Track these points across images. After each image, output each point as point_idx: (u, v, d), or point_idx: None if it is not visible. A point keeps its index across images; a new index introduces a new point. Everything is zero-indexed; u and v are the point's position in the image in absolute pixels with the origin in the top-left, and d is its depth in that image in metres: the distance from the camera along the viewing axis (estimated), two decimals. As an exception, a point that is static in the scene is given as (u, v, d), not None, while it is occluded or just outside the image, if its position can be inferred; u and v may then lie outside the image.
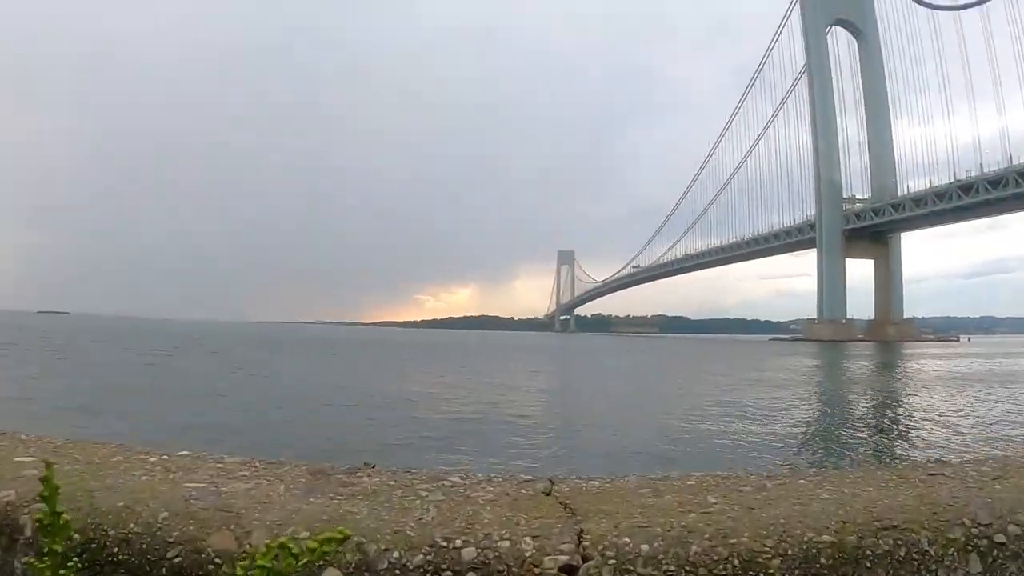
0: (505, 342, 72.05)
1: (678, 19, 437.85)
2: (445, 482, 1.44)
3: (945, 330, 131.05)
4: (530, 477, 1.53)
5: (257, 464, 1.51)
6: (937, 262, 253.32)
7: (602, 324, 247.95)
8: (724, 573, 1.03)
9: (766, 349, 69.10)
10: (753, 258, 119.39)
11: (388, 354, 40.98)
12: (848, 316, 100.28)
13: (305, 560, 0.56)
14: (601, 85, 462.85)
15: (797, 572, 1.05)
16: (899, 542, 1.11)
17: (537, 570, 1.04)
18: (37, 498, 0.86)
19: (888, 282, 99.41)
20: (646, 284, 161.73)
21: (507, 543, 1.08)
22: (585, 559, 1.06)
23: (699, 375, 25.30)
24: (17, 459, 1.48)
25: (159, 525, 1.14)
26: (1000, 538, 1.17)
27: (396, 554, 1.05)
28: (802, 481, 1.44)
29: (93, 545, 1.12)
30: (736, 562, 1.04)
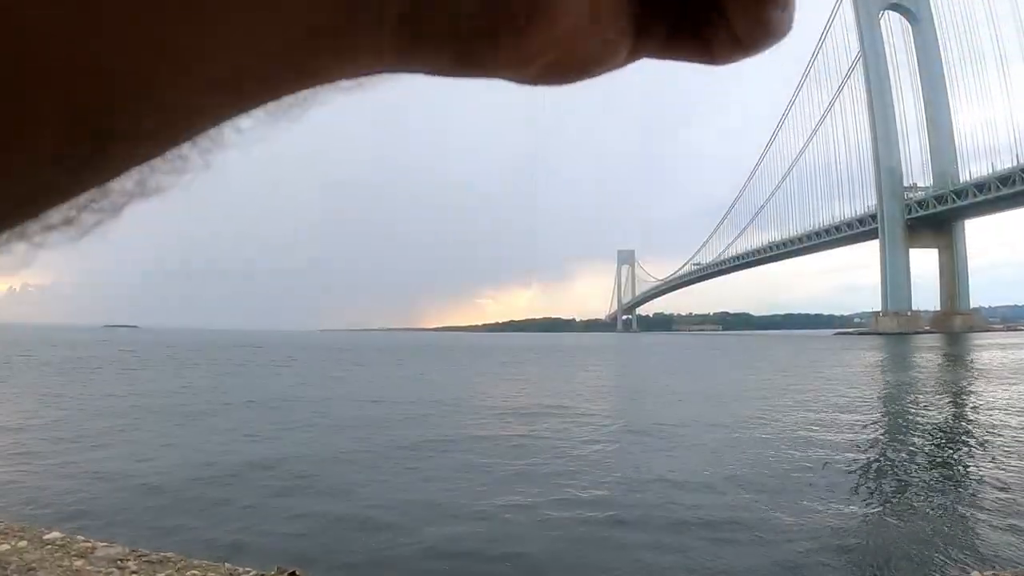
0: (582, 344, 74.96)
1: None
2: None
3: (1013, 319, 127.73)
4: None
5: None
6: (1004, 249, 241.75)
7: (664, 323, 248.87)
8: None
9: (832, 344, 70.03)
10: (814, 251, 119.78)
11: (495, 359, 41.03)
12: (913, 307, 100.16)
13: None
14: (656, 80, 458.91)
15: None
16: None
17: None
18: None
19: (953, 271, 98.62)
20: (707, 281, 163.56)
21: None
22: None
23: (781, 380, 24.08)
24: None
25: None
26: None
27: None
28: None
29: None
30: None
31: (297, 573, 3.29)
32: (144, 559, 3.45)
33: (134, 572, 3.35)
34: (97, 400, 16.68)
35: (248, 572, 3.00)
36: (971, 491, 7.96)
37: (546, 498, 7.36)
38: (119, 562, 3.41)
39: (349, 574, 4.89)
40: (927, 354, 43.14)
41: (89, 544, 3.74)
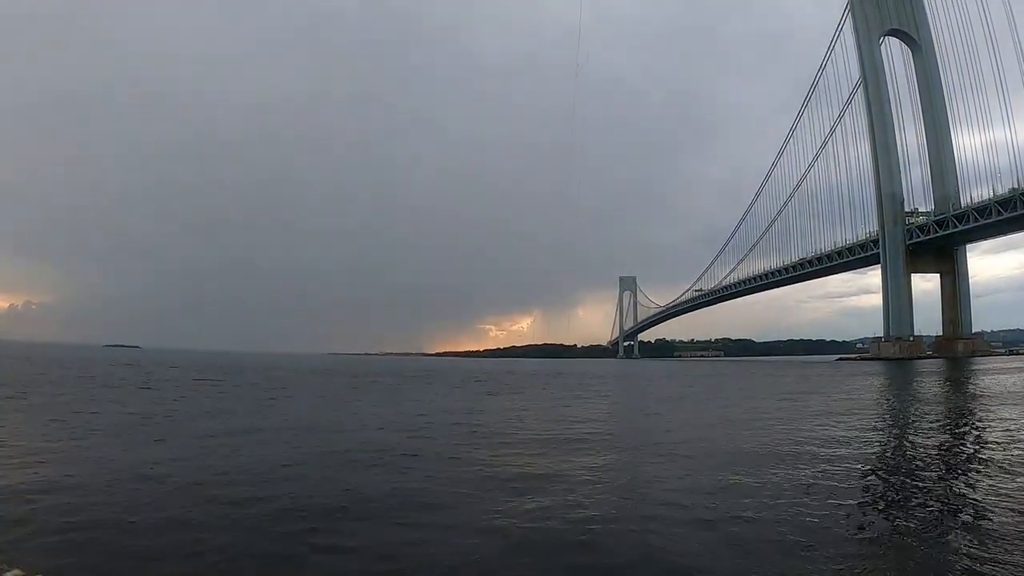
0: (587, 370, 73.81)
1: (731, 38, 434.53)
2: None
3: (1016, 343, 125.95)
4: None
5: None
6: (1007, 272, 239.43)
7: (665, 349, 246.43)
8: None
9: (835, 370, 68.94)
10: (816, 277, 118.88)
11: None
12: (916, 332, 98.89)
13: None
14: (661, 109, 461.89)
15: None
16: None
17: None
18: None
19: (955, 296, 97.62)
20: (709, 307, 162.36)
21: None
22: None
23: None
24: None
25: None
26: None
27: None
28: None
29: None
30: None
31: None
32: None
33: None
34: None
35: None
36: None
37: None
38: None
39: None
40: (929, 379, 42.44)
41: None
